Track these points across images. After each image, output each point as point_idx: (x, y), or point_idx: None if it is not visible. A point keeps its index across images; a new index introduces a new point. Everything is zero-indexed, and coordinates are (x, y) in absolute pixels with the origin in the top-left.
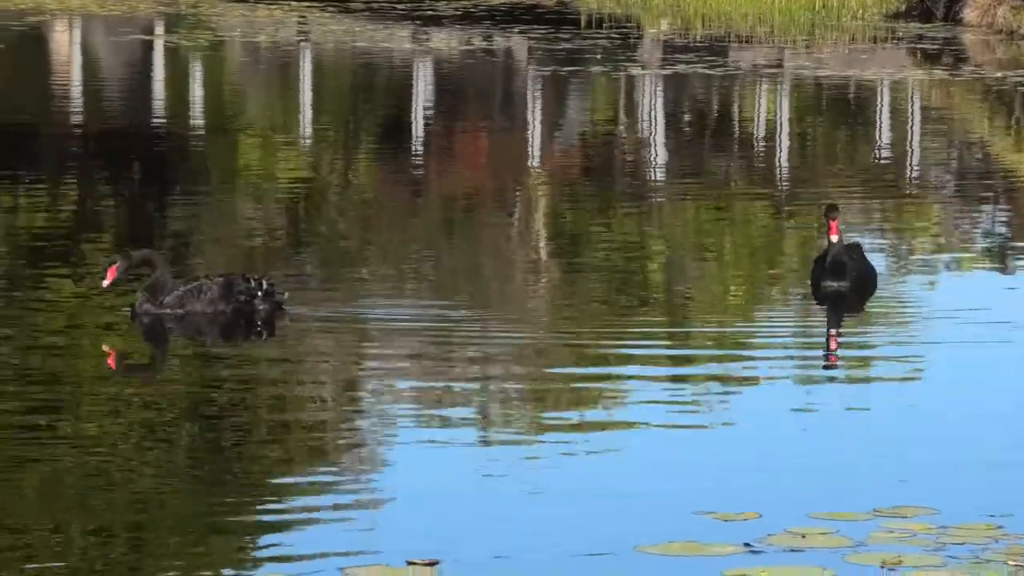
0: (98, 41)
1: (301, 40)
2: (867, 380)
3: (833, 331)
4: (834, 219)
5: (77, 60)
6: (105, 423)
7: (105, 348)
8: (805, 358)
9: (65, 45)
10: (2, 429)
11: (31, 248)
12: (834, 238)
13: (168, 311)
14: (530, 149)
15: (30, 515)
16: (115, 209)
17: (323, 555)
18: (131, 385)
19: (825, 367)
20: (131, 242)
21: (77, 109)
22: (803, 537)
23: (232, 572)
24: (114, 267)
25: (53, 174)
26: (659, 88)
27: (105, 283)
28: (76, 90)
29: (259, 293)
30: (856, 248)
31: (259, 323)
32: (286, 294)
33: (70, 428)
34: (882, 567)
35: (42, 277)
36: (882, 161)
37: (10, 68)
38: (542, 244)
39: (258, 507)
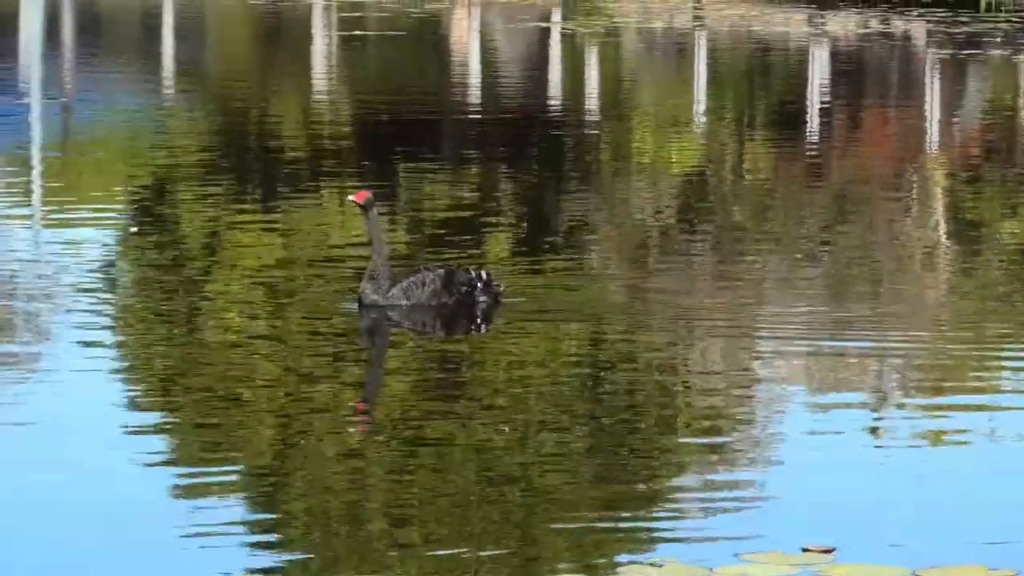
0: (496, 28)
1: (696, 26)
2: None
3: None
4: None
5: (475, 47)
6: (495, 410)
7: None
8: None
9: (464, 32)
10: (399, 420)
11: (432, 235)
12: None
13: (394, 303)
14: (929, 134)
15: (423, 504)
16: (512, 195)
17: (718, 540)
18: (509, 373)
19: None
20: (529, 227)
21: (475, 96)
22: None
23: (627, 556)
24: (363, 193)
25: (452, 161)
26: None
27: (350, 198)
28: (474, 77)
29: (479, 285)
30: None
31: (479, 316)
32: (503, 286)
33: (463, 414)
34: None
35: (439, 263)
36: None
37: (410, 55)
38: (941, 232)
39: (652, 493)
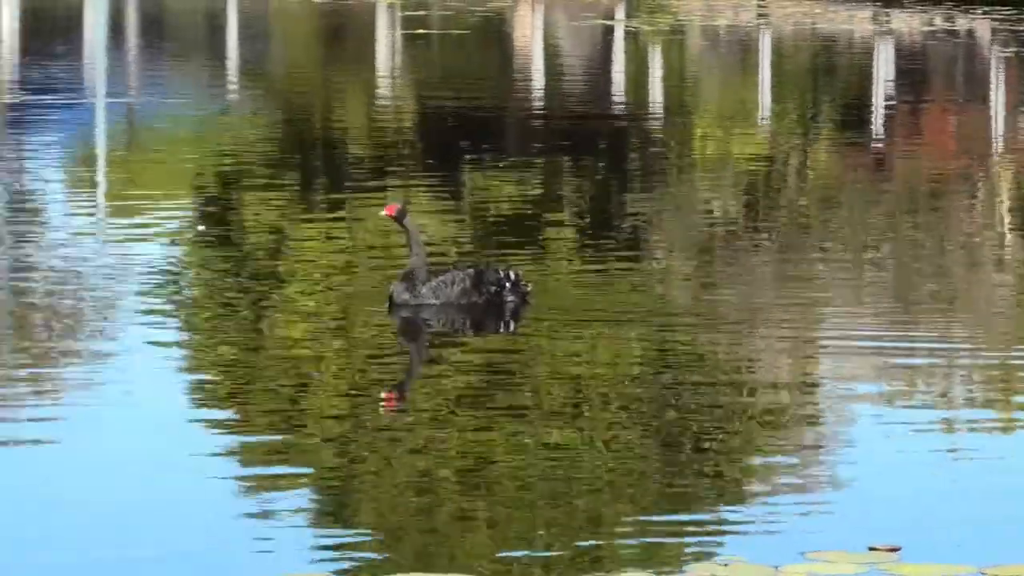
0: (560, 26)
1: (760, 23)
2: None
3: None
4: None
5: (539, 45)
6: (565, 407)
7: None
8: None
9: (527, 30)
10: (478, 419)
11: (497, 231)
12: None
13: (424, 302)
14: (993, 131)
15: (490, 503)
16: (574, 193)
17: (784, 539)
18: (582, 368)
19: None
20: (591, 225)
21: (538, 94)
22: None
23: (693, 555)
24: (395, 205)
25: (516, 158)
26: None
27: (382, 213)
28: (537, 75)
29: (507, 284)
30: None
31: (508, 315)
32: (530, 285)
33: (534, 407)
34: None
35: (504, 261)
36: None
37: (473, 53)
38: (1007, 230)
39: (719, 492)
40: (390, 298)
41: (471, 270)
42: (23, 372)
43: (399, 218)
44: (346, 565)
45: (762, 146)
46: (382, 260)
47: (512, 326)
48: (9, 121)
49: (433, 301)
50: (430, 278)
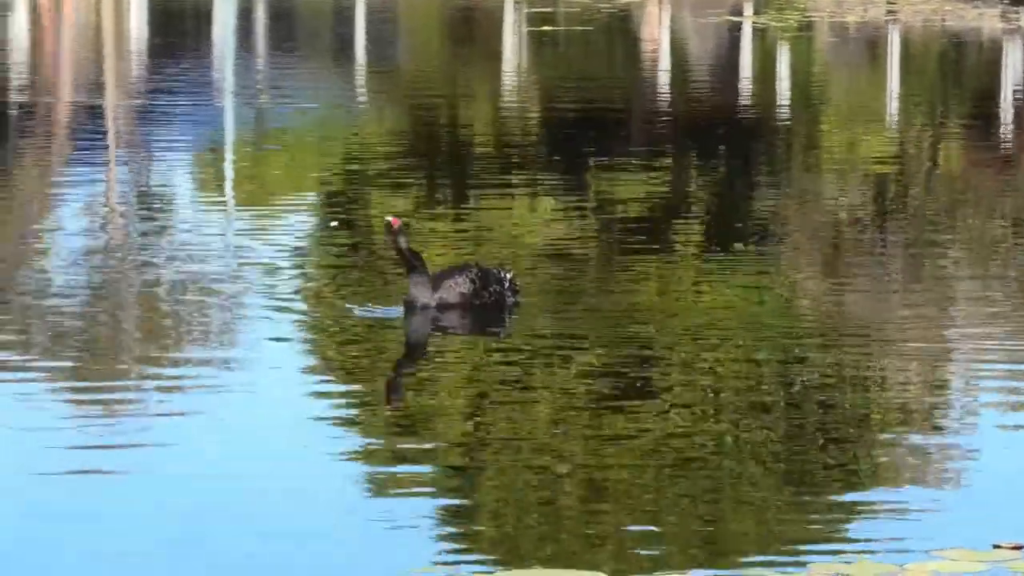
0: (687, 23)
1: (889, 20)
2: None
3: None
4: None
5: (666, 42)
6: (688, 408)
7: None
8: None
9: (655, 27)
10: (607, 399)
11: (623, 231)
12: None
13: (441, 303)
14: None
15: (611, 497)
16: (703, 191)
17: (909, 537)
18: (691, 366)
19: None
20: (718, 225)
21: (665, 91)
22: None
23: (818, 548)
24: (397, 220)
25: (643, 156)
26: None
27: (390, 219)
28: (665, 72)
29: (506, 285)
30: None
31: (506, 316)
32: (519, 288)
33: (658, 397)
34: None
35: (631, 263)
36: None
37: (600, 50)
38: None
39: (843, 490)
40: (408, 304)
41: (475, 270)
42: (148, 370)
43: (397, 233)
44: (470, 561)
45: (890, 145)
46: (508, 257)
47: (628, 329)
48: (138, 119)
49: (445, 301)
50: (440, 279)
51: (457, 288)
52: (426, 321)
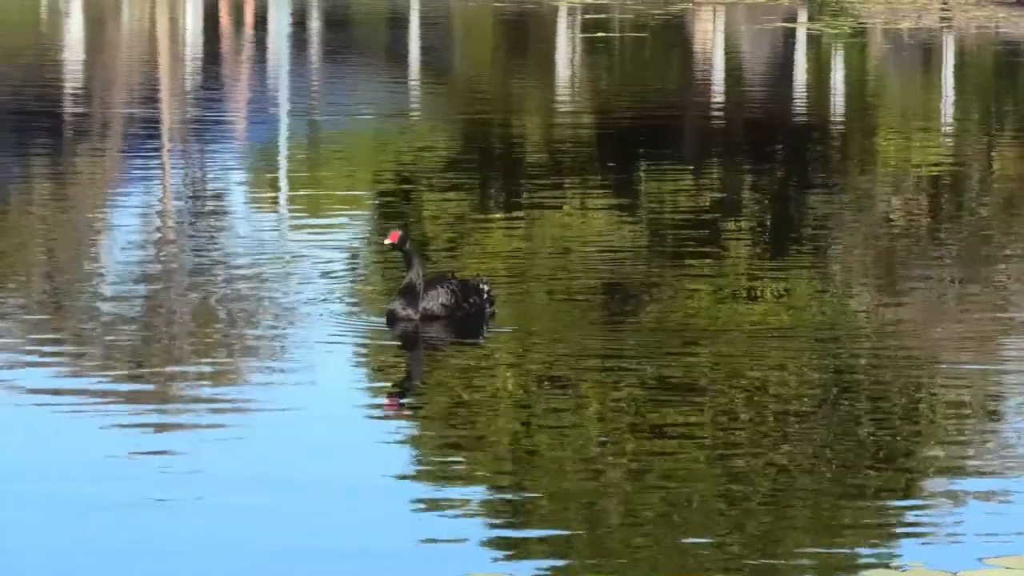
0: (741, 29)
1: (943, 26)
2: None
3: None
4: None
5: (719, 48)
6: (740, 414)
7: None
8: None
9: (708, 33)
10: (653, 400)
11: (677, 237)
12: None
13: (426, 315)
14: None
15: (664, 506)
16: (756, 198)
17: (962, 544)
18: (763, 362)
19: None
20: (770, 233)
21: (719, 98)
22: None
23: (871, 554)
24: (397, 233)
25: (696, 162)
26: None
27: (387, 241)
28: (718, 78)
29: (485, 295)
30: None
31: (486, 326)
32: (495, 299)
33: (710, 397)
34: None
35: (685, 273)
36: None
37: (653, 56)
38: None
39: (898, 497)
40: (391, 313)
41: (456, 281)
42: (206, 369)
43: (400, 245)
44: (528, 565)
45: (944, 152)
46: (559, 262)
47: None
48: (193, 122)
49: (428, 311)
50: (427, 292)
51: (439, 299)
52: (400, 333)
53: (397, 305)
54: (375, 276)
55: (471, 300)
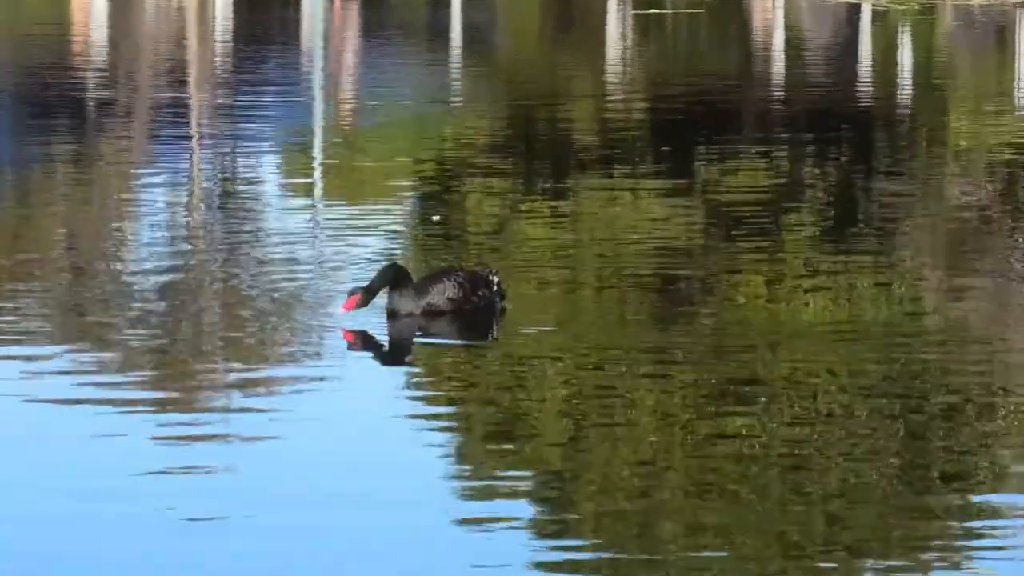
0: (802, 5)
1: (1016, 2)
2: None
3: None
4: None
5: (780, 24)
6: (801, 414)
7: None
8: None
9: (768, 10)
10: (700, 400)
11: (735, 223)
12: None
13: (429, 310)
14: None
15: (722, 508)
16: (817, 183)
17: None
18: (811, 367)
19: None
20: (834, 217)
21: (778, 77)
22: None
23: (938, 564)
24: (354, 298)
25: (757, 141)
26: None
27: (342, 310)
28: (778, 57)
29: (494, 288)
30: None
31: (496, 320)
32: (506, 291)
33: (764, 403)
34: None
35: (741, 267)
36: None
37: (708, 34)
38: None
39: (965, 508)
40: (391, 312)
41: (462, 274)
42: (236, 365)
43: (362, 305)
44: (569, 569)
45: (1018, 135)
46: (609, 250)
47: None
48: (225, 108)
49: (434, 306)
50: (425, 285)
51: (446, 293)
52: (398, 329)
53: (396, 303)
54: (413, 265)
55: (480, 293)
